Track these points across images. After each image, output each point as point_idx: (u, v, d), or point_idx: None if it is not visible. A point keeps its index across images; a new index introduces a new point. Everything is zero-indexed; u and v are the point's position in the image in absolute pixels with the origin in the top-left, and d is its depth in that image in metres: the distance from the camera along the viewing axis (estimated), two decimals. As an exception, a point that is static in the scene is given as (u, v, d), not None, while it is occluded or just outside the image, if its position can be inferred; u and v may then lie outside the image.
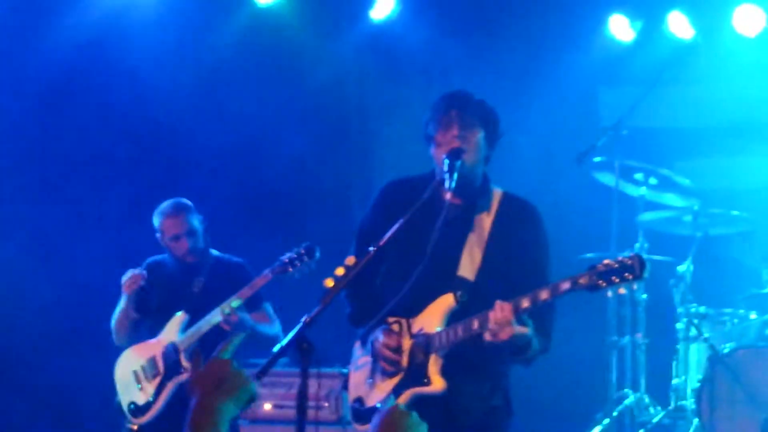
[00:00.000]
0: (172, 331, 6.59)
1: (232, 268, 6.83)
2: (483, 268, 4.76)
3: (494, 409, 4.81)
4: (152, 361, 6.60)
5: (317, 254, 6.41)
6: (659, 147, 8.89)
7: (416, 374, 4.67)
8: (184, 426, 2.98)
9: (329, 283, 4.31)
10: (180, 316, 6.60)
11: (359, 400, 4.87)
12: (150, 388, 6.58)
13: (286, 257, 6.41)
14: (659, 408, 7.79)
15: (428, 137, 4.82)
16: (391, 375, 4.74)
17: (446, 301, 4.70)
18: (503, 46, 9.15)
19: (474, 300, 4.66)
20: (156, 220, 6.79)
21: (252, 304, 6.64)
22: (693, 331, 7.63)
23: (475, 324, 4.56)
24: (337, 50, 9.33)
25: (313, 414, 5.37)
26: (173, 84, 8.97)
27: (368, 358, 4.86)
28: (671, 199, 8.17)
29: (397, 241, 4.56)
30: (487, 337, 4.48)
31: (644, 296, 7.97)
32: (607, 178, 8.07)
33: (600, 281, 4.37)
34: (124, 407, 6.66)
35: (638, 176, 8.03)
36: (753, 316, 7.69)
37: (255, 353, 7.08)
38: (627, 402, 7.78)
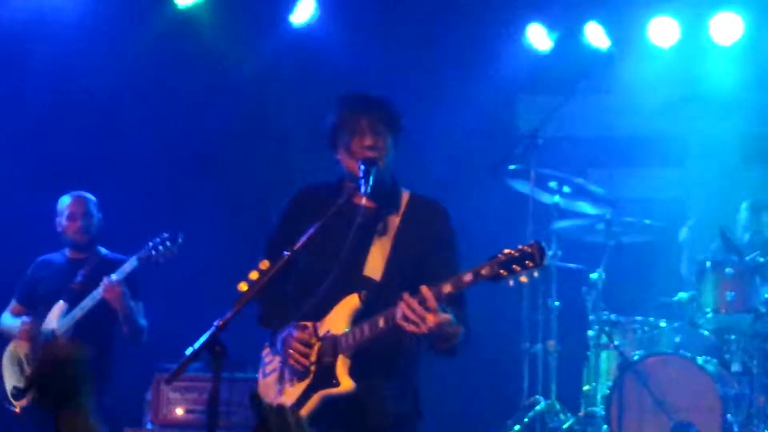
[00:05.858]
0: (53, 319, 7.08)
1: (115, 263, 7.16)
2: (389, 267, 4.74)
3: (405, 414, 4.79)
4: (35, 347, 7.06)
5: (180, 240, 7.01)
6: (574, 156, 8.99)
7: (324, 376, 4.64)
8: None
9: (243, 287, 4.29)
10: (60, 306, 7.10)
11: None
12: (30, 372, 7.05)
13: (150, 244, 6.98)
14: (569, 414, 7.85)
15: (334, 143, 4.81)
16: (300, 378, 4.71)
17: (351, 302, 4.68)
18: (422, 53, 9.18)
19: (380, 299, 4.64)
20: (60, 204, 7.38)
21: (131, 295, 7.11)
22: (604, 339, 7.73)
23: (381, 322, 4.55)
24: (256, 53, 9.29)
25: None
26: (94, 82, 8.91)
27: (276, 363, 4.83)
28: (584, 207, 8.25)
29: (308, 246, 4.55)
30: (410, 328, 4.42)
31: (557, 303, 8.03)
32: (522, 186, 8.14)
33: (501, 270, 4.31)
34: (8, 391, 7.11)
35: (553, 184, 8.09)
36: (663, 324, 7.82)
37: (167, 357, 7.14)
38: (538, 408, 7.83)
